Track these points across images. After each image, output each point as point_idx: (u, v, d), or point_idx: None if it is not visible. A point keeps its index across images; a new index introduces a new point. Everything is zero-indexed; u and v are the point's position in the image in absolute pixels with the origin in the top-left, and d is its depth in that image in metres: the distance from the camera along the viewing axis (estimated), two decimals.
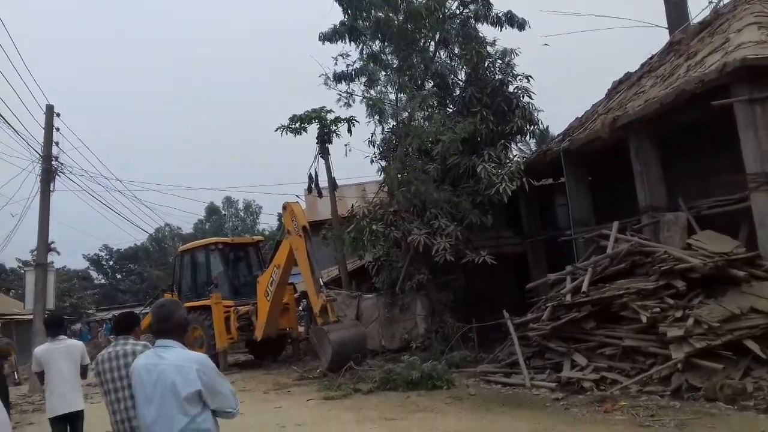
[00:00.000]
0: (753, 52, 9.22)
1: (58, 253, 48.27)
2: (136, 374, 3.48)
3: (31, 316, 19.28)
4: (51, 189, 19.04)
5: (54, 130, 19.21)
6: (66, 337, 7.16)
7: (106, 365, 4.75)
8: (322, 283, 14.91)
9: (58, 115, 19.33)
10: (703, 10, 13.68)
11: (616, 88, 14.71)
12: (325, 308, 14.13)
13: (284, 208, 15.63)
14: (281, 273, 16.05)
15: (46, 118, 19.20)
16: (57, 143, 19.19)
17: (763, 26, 10.01)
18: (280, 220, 17.60)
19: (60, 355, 6.79)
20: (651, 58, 14.15)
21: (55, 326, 7.04)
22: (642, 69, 14.02)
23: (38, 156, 18.85)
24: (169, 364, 3.36)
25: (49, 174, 18.93)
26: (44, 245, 19.65)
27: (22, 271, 49.23)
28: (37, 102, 20.27)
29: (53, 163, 19.08)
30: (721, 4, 13.04)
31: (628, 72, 14.76)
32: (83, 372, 6.95)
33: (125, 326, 5.12)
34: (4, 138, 48.69)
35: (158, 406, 3.33)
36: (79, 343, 7.19)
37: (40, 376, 6.94)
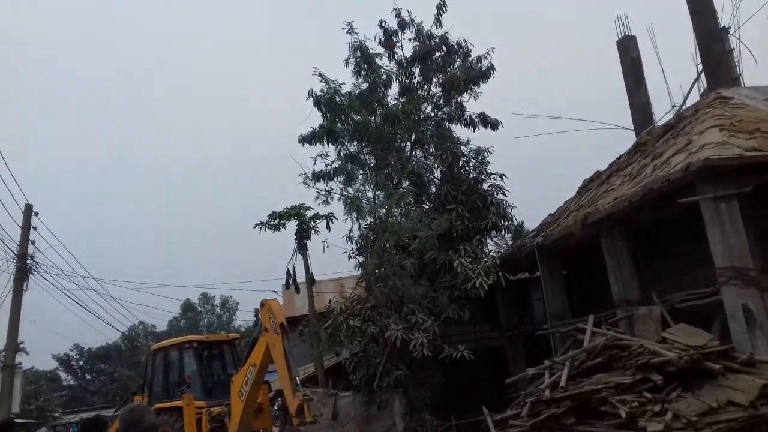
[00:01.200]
0: (715, 152, 9.70)
1: (27, 354, 46.86)
2: None
3: None
4: (24, 288, 18.75)
5: (31, 228, 19.15)
6: None
7: None
8: (298, 382, 14.56)
9: (36, 214, 19.35)
10: (667, 113, 14.44)
11: (587, 185, 15.22)
12: (301, 408, 13.71)
13: (262, 305, 15.41)
14: (257, 372, 15.62)
15: (24, 217, 19.16)
16: (33, 242, 19.09)
17: (724, 128, 10.57)
18: (256, 316, 17.48)
19: None
20: (619, 157, 14.75)
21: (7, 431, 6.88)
22: (611, 168, 14.58)
23: (13, 255, 18.69)
24: None
25: (23, 273, 18.69)
26: (13, 346, 19.14)
27: None
28: (15, 200, 20.27)
29: (28, 262, 18.88)
30: (684, 107, 13.79)
31: (597, 171, 15.33)
32: None
33: (97, 429, 5.23)
34: None
35: None
36: None
37: None
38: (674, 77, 14.86)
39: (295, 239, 18.06)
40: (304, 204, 17.61)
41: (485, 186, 15.72)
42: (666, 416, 8.47)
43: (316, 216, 17.70)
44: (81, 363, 67.92)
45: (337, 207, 16.96)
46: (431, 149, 16.34)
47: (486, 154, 15.71)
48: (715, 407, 8.35)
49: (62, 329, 62.67)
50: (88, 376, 68.07)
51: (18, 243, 18.84)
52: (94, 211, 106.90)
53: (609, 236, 11.93)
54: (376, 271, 14.92)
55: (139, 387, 20.29)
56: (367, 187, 15.85)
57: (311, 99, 15.63)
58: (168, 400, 16.95)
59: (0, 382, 18.25)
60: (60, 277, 21.12)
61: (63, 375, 67.06)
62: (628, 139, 15.47)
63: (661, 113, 14.97)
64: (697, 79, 13.76)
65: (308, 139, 16.18)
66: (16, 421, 12.74)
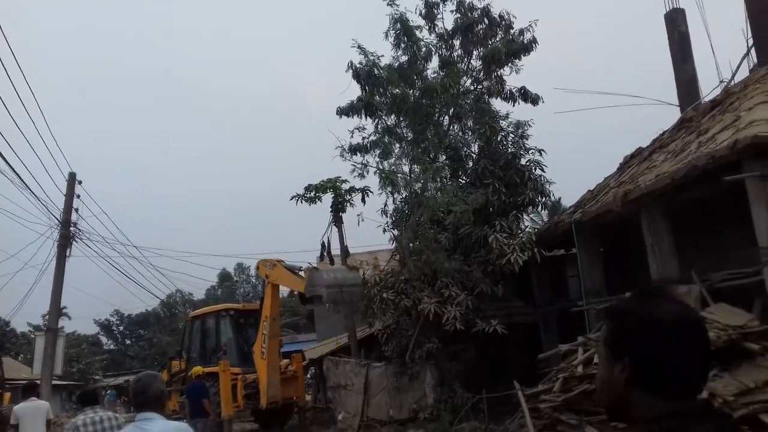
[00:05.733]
0: (764, 129, 9.41)
1: (69, 318, 48.43)
2: None
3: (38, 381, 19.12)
4: (67, 255, 19.28)
5: (75, 197, 19.63)
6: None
7: (89, 428, 5.50)
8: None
9: (80, 182, 19.80)
10: (714, 89, 14.06)
11: (628, 162, 14.93)
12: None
13: (257, 267, 16.72)
14: (270, 324, 16.00)
15: (68, 186, 19.64)
16: (77, 210, 19.58)
17: None
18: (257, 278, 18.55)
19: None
20: (662, 134, 14.43)
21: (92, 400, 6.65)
22: (653, 144, 14.28)
23: (57, 222, 19.18)
24: None
25: (66, 240, 19.21)
26: (56, 310, 19.77)
27: (33, 336, 49.26)
28: (60, 168, 20.83)
29: (71, 229, 19.39)
30: (732, 83, 13.39)
31: (639, 147, 15.03)
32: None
33: (91, 399, 6.10)
34: (25, 204, 49.61)
35: None
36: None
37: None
38: (722, 52, 14.44)
39: (331, 212, 18.22)
40: (340, 177, 17.74)
41: (523, 161, 15.54)
42: (702, 396, 8.38)
43: (352, 189, 17.81)
44: (121, 328, 69.89)
45: (372, 180, 17.06)
46: (469, 123, 16.20)
47: (525, 128, 15.48)
48: (752, 387, 8.22)
49: (103, 295, 64.66)
50: (128, 341, 70.06)
51: (62, 210, 19.35)
52: (136, 183, 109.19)
53: (649, 214, 11.71)
54: (411, 244, 14.95)
55: (177, 353, 20.88)
56: (403, 160, 15.84)
57: (350, 71, 15.60)
58: (204, 366, 17.41)
59: (44, 345, 18.87)
60: (102, 244, 21.72)
61: (104, 339, 69.18)
62: (672, 116, 15.13)
63: (708, 89, 14.57)
64: (746, 54, 13.35)
65: (346, 111, 16.20)
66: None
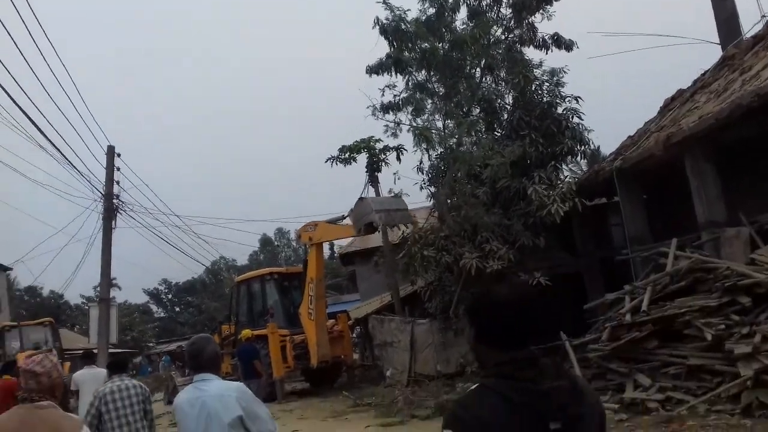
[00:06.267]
0: None
1: (120, 289, 49.97)
2: (180, 409, 3.68)
3: (95, 350, 19.85)
4: (113, 226, 19.75)
5: (115, 169, 19.99)
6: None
7: (116, 395, 5.51)
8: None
9: (119, 155, 20.13)
10: (755, 24, 13.43)
11: (669, 105, 14.50)
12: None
13: (298, 236, 16.90)
14: (317, 285, 16.29)
15: (108, 159, 19.99)
16: (118, 182, 19.96)
17: None
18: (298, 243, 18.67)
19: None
20: (704, 74, 13.93)
21: (120, 368, 6.28)
22: (695, 85, 13.81)
23: (100, 195, 19.61)
24: (210, 395, 3.59)
25: (110, 212, 19.65)
26: (107, 281, 20.36)
27: (86, 307, 51.03)
28: (99, 143, 21.22)
29: (114, 201, 19.81)
30: None
31: (680, 89, 14.55)
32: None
33: (119, 367, 6.03)
34: (68, 179, 50.78)
35: None
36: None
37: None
38: None
39: (366, 172, 18.24)
40: (373, 136, 17.69)
41: (560, 110, 15.16)
42: (755, 338, 8.26)
43: (386, 148, 17.76)
44: (170, 296, 71.93)
45: (406, 138, 16.93)
46: (502, 74, 15.83)
47: (560, 75, 15.08)
48: None
49: (150, 265, 66.35)
50: (177, 308, 72.18)
51: (104, 183, 19.76)
52: (173, 152, 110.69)
53: (693, 156, 11.40)
54: (449, 201, 14.87)
55: (225, 317, 21.44)
56: (436, 116, 15.64)
57: (377, 27, 15.34)
58: (253, 329, 17.86)
59: (98, 315, 19.52)
60: (145, 215, 22.18)
61: (154, 308, 71.39)
62: (713, 55, 14.57)
63: (749, 25, 13.96)
64: None
65: (375, 69, 15.99)
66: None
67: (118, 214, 19.90)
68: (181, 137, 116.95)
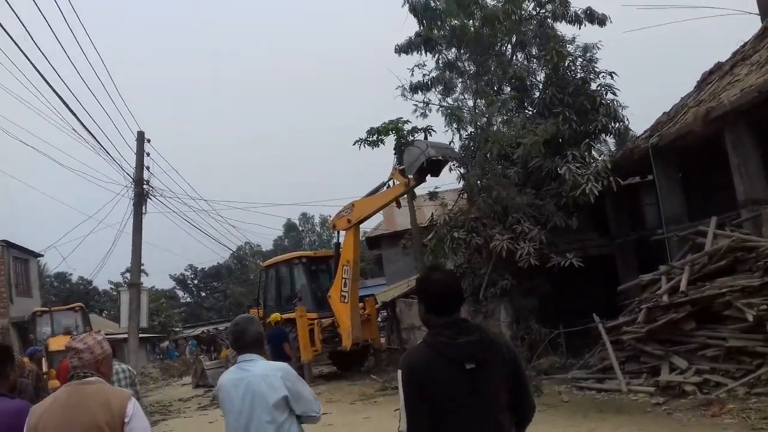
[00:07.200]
0: None
1: (147, 275, 50.61)
2: (224, 389, 3.62)
3: (125, 335, 20.05)
4: (143, 211, 19.81)
5: (145, 155, 20.03)
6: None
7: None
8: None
9: (149, 140, 20.15)
10: None
11: (707, 79, 14.04)
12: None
13: (332, 226, 16.71)
14: (353, 267, 16.15)
15: (138, 144, 20.01)
16: (148, 168, 19.99)
17: None
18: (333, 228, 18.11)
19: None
20: (743, 45, 13.46)
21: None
22: (734, 57, 13.35)
23: (131, 180, 19.66)
24: (255, 375, 3.53)
25: (141, 197, 19.68)
26: (137, 266, 20.46)
27: (115, 293, 51.75)
28: (129, 128, 21.38)
29: (144, 186, 19.85)
30: None
31: (718, 62, 14.08)
32: None
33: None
34: (99, 165, 51.49)
35: (248, 416, 3.49)
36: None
37: None
38: None
39: (395, 154, 17.96)
40: (401, 118, 17.37)
41: (593, 86, 14.81)
42: None
43: (414, 129, 17.46)
44: (196, 282, 72.72)
45: (435, 119, 16.62)
46: (534, 51, 15.51)
47: (594, 51, 14.70)
48: None
49: (176, 250, 67.08)
50: (203, 294, 72.95)
51: (134, 169, 19.82)
52: (200, 138, 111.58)
53: (734, 131, 11.02)
54: (479, 182, 14.63)
55: (254, 301, 21.49)
56: (466, 95, 15.40)
57: (406, 5, 15.08)
58: (281, 313, 17.84)
59: (128, 300, 19.67)
60: (173, 199, 22.26)
61: (180, 293, 72.24)
62: (753, 25, 14.05)
63: None
64: None
65: (404, 48, 15.75)
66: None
67: (148, 199, 19.95)
68: (211, 122, 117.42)
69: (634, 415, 8.43)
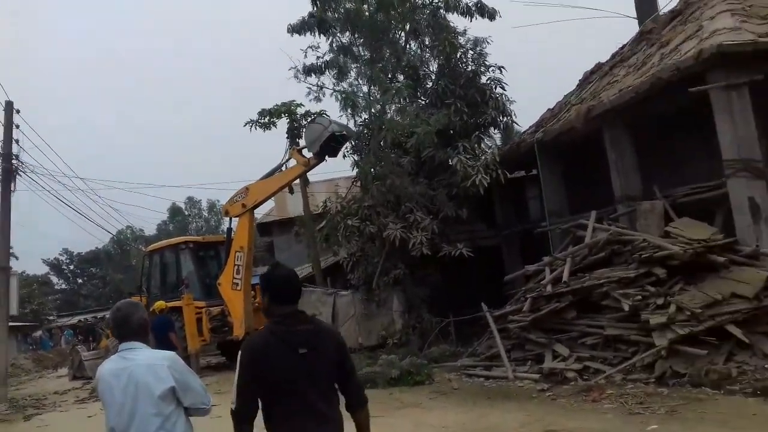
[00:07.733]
0: (728, 38, 9.29)
1: (17, 258, 46.93)
2: (103, 381, 3.27)
3: None
4: (12, 189, 18.24)
5: (14, 127, 18.40)
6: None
7: None
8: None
9: (18, 111, 18.52)
10: None
11: (588, 78, 14.76)
12: None
13: (225, 212, 16.02)
14: (247, 253, 15.65)
15: (6, 115, 18.34)
16: (17, 141, 18.39)
17: (735, 13, 10.11)
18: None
19: None
20: (622, 48, 14.23)
21: None
22: (614, 59, 14.09)
23: None
24: (139, 365, 3.23)
25: (9, 174, 18.10)
26: (6, 248, 18.79)
27: None
28: None
29: (14, 162, 18.27)
30: None
31: (599, 62, 14.82)
32: None
33: None
34: None
35: (131, 409, 3.17)
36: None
37: None
38: None
39: (287, 138, 17.54)
40: (294, 100, 16.96)
41: (484, 79, 15.16)
42: (669, 309, 8.55)
43: (308, 113, 17.13)
44: (72, 267, 68.35)
45: (329, 103, 16.36)
46: (427, 41, 15.61)
47: (484, 45, 15.03)
48: (719, 299, 8.41)
49: (50, 233, 62.70)
50: (80, 280, 68.70)
51: (1, 142, 18.16)
52: (77, 112, 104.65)
53: (612, 129, 11.66)
54: (373, 170, 14.60)
55: (137, 288, 20.39)
56: (360, 81, 15.27)
57: None
58: (166, 301, 17.07)
59: None
60: (47, 177, 20.63)
61: (54, 279, 67.61)
62: (631, 29, 14.90)
63: (666, 0, 14.33)
64: None
65: (297, 29, 15.35)
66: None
67: (18, 176, 18.36)
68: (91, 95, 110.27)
69: (521, 401, 8.75)
